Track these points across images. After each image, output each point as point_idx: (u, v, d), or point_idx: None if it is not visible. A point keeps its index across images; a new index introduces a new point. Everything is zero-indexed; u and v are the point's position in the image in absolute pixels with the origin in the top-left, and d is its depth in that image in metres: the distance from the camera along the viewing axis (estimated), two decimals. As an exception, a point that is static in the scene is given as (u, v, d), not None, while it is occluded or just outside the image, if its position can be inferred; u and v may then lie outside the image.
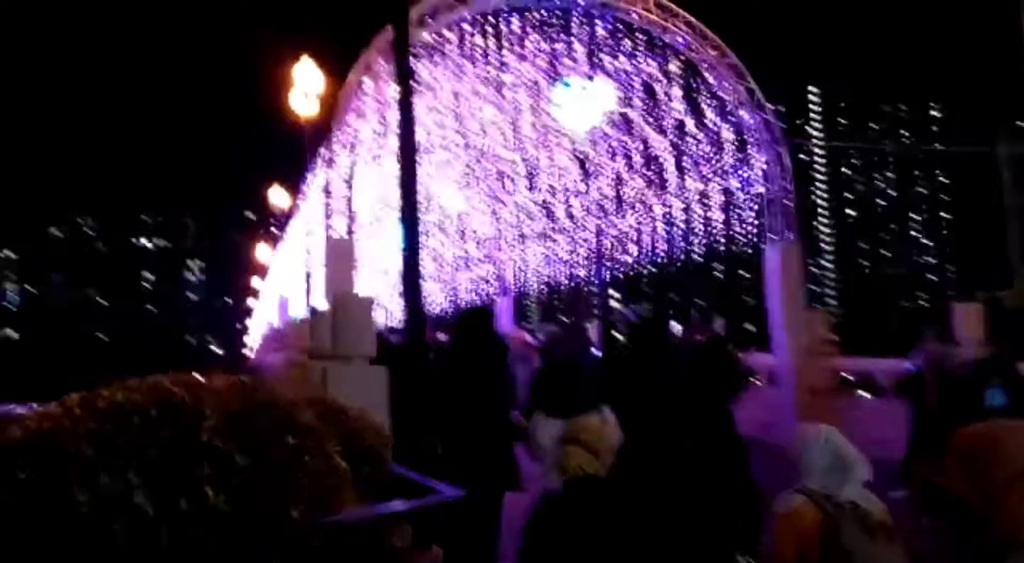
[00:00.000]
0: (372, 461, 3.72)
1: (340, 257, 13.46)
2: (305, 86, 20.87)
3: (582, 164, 20.70)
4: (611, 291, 28.87)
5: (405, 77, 8.37)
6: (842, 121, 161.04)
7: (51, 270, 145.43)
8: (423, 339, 7.54)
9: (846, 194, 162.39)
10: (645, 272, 22.59)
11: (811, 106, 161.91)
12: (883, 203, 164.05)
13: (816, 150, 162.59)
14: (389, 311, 42.58)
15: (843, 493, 3.83)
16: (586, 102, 17.20)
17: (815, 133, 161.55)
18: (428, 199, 28.03)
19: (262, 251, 45.19)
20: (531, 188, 23.22)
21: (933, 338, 11.72)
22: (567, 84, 15.99)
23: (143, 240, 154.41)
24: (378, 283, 40.97)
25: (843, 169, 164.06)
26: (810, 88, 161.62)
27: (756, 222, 16.19)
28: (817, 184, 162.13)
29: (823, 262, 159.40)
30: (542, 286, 27.08)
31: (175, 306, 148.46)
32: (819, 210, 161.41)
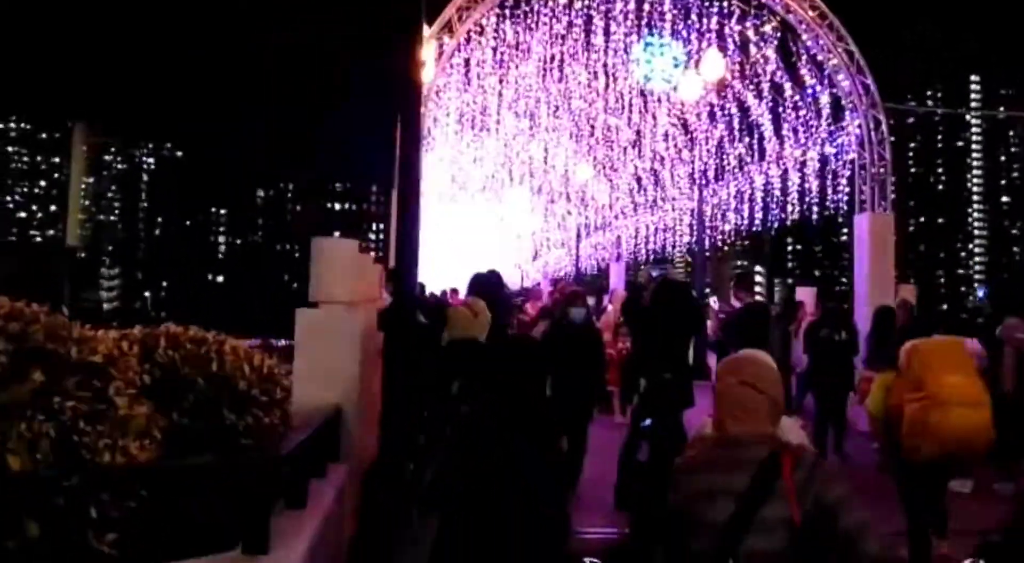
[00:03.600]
0: (242, 406, 2.77)
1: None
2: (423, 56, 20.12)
3: (685, 129, 19.09)
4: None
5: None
6: (1002, 109, 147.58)
7: (256, 226, 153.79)
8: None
9: (1003, 181, 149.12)
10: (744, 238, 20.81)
11: (972, 91, 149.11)
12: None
13: (974, 137, 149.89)
14: (524, 271, 42.10)
15: None
16: (687, 71, 15.66)
17: (973, 119, 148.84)
18: (551, 166, 27.00)
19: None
20: (639, 155, 21.78)
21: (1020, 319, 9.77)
22: (649, 43, 14.45)
23: (335, 203, 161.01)
24: (511, 247, 40.55)
25: (1001, 157, 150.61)
26: (972, 77, 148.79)
27: (848, 190, 14.26)
28: (973, 169, 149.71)
29: (974, 247, 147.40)
30: (650, 252, 25.53)
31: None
32: (973, 195, 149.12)
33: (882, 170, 13.86)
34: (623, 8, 14.29)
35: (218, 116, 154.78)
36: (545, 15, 14.38)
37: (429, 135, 16.24)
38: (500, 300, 8.71)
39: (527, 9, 13.99)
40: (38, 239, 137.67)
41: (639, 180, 24.16)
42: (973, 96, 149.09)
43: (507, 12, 13.85)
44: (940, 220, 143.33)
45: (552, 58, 15.64)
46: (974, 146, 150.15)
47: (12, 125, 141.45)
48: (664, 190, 22.87)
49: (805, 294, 14.51)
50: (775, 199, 17.13)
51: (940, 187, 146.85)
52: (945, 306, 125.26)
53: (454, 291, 13.53)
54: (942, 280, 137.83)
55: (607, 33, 14.73)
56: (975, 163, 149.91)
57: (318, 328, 6.75)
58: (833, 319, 10.14)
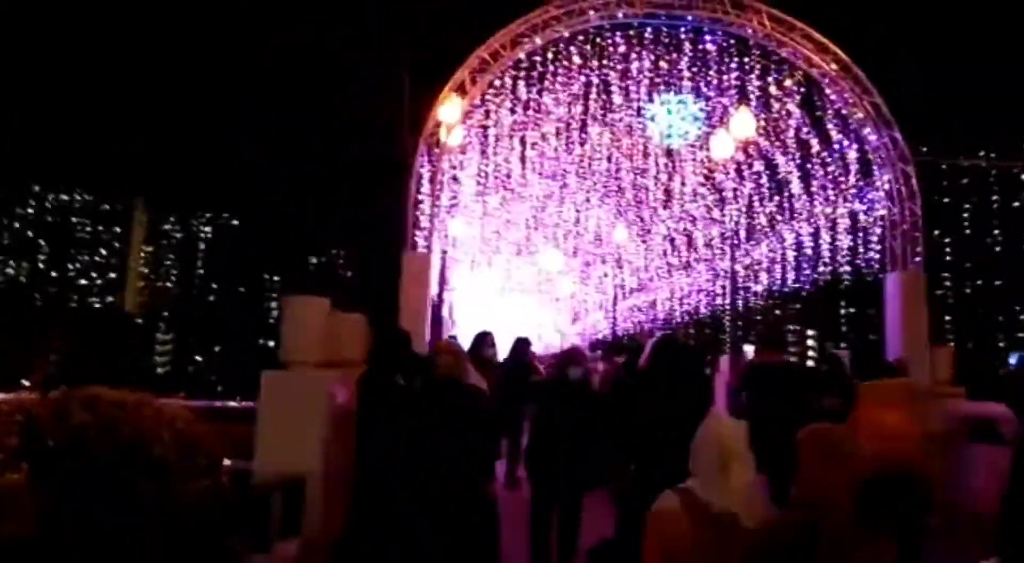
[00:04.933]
0: (156, 475, 2.57)
1: (415, 272, 12.48)
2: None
3: (714, 188, 18.66)
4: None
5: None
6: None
7: (307, 292, 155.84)
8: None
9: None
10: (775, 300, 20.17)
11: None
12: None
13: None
14: (564, 335, 41.52)
15: (725, 498, 2.99)
16: (718, 129, 15.37)
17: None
18: (584, 228, 26.63)
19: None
20: (671, 216, 21.38)
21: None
22: (666, 101, 14.18)
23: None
24: (549, 309, 40.15)
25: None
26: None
27: (880, 248, 13.63)
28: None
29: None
30: (685, 315, 24.92)
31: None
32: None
33: (913, 226, 13.26)
34: (640, 66, 14.08)
35: (275, 187, 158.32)
36: (561, 75, 14.21)
37: (444, 193, 16.08)
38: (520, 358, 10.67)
39: (542, 70, 13.82)
40: (97, 305, 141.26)
41: (672, 241, 23.74)
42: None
43: (522, 73, 13.68)
44: (997, 282, 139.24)
45: (572, 118, 15.45)
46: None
47: (76, 196, 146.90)
48: (697, 251, 22.40)
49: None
50: (807, 259, 16.53)
51: (997, 248, 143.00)
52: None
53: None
54: (1001, 344, 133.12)
55: (626, 92, 14.51)
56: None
57: (284, 390, 6.41)
58: (826, 385, 8.53)
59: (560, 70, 14.02)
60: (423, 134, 12.65)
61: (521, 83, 13.82)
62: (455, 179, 15.06)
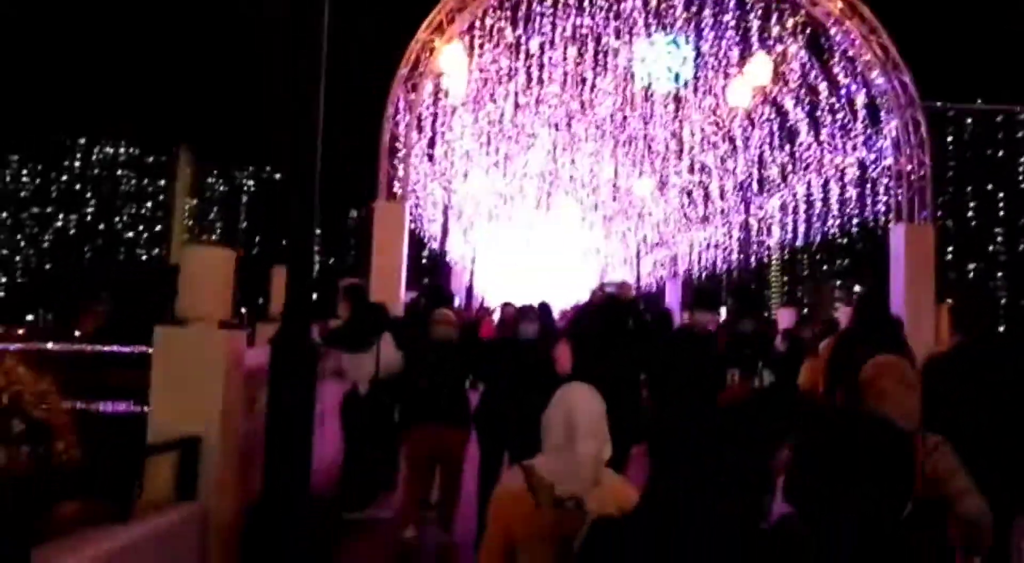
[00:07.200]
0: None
1: (387, 222, 12.06)
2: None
3: (727, 137, 17.77)
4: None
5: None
6: None
7: (348, 245, 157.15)
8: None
9: None
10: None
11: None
12: None
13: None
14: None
15: (570, 478, 2.61)
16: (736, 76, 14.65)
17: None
18: (600, 180, 25.78)
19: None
20: (688, 168, 20.49)
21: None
22: (655, 42, 13.34)
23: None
24: (577, 266, 39.48)
25: None
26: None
27: (887, 199, 12.81)
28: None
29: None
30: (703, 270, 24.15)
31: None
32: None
33: (921, 176, 12.40)
34: (633, 4, 13.26)
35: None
36: (548, 16, 13.45)
37: (447, 146, 15.55)
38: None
39: (525, 12, 13.08)
40: (144, 258, 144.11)
41: (689, 194, 22.92)
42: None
43: (504, 14, 12.98)
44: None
45: (565, 62, 14.69)
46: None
47: (121, 150, 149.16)
48: (713, 204, 21.58)
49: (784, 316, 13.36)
50: (818, 212, 15.70)
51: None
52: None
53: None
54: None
55: (618, 33, 13.71)
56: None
57: (179, 348, 6.05)
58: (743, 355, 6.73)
59: (547, 10, 13.27)
60: (395, 78, 12.10)
61: (504, 24, 13.13)
62: (437, 126, 14.48)
